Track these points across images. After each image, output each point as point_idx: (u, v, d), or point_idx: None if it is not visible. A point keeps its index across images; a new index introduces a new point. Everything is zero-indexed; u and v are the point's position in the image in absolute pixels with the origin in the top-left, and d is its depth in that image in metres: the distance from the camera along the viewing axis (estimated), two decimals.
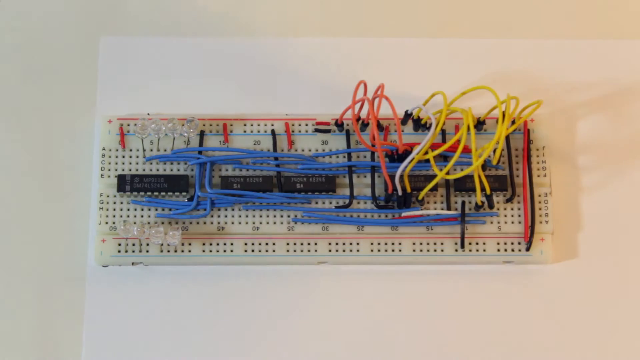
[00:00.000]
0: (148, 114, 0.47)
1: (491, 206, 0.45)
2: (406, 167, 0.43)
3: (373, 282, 0.46)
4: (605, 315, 0.45)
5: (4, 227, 0.46)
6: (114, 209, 0.45)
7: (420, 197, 0.45)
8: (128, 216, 0.45)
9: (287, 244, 0.45)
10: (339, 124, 0.46)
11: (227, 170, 0.46)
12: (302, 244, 0.45)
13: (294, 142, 0.46)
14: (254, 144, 0.46)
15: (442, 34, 0.49)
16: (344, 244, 0.45)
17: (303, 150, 0.46)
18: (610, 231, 0.46)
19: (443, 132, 0.46)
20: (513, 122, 0.45)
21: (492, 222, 0.46)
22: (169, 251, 0.45)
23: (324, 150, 0.46)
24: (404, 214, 0.45)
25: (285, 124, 0.47)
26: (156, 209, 0.46)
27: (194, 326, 0.45)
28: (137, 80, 0.48)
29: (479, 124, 0.46)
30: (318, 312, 0.45)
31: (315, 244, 0.45)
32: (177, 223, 0.45)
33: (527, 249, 0.45)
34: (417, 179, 0.45)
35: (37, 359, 0.45)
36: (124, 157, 0.46)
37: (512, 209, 0.46)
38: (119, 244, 0.45)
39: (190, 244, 0.45)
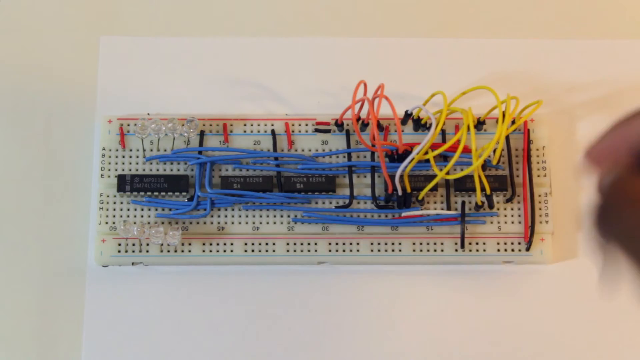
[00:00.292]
0: (148, 114, 0.47)
1: (491, 206, 0.45)
2: (406, 167, 0.43)
3: (373, 282, 0.46)
4: (605, 315, 0.45)
5: (4, 227, 0.46)
6: (114, 209, 0.45)
7: (420, 197, 0.45)
8: (128, 216, 0.45)
9: (287, 244, 0.45)
10: (339, 124, 0.46)
11: (227, 170, 0.46)
12: (302, 244, 0.45)
13: (294, 142, 0.46)
14: (254, 144, 0.46)
15: (442, 34, 0.49)
16: (344, 244, 0.45)
17: (303, 150, 0.46)
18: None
19: (443, 132, 0.46)
20: (513, 122, 0.45)
21: (492, 222, 0.46)
22: (169, 251, 0.45)
23: (324, 150, 0.46)
24: (404, 214, 0.45)
25: (285, 124, 0.47)
26: (156, 209, 0.46)
27: (193, 326, 0.45)
28: (137, 80, 0.48)
29: (479, 124, 0.46)
30: (318, 312, 0.45)
31: (315, 244, 0.45)
32: (177, 223, 0.45)
33: (527, 249, 0.45)
34: (417, 179, 0.45)
35: (37, 359, 0.45)
36: (124, 157, 0.46)
37: (512, 209, 0.46)
38: (119, 244, 0.45)
39: (190, 244, 0.45)
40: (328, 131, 0.47)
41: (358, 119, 0.45)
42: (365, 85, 0.44)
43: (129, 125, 0.46)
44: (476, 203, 0.45)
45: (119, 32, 0.49)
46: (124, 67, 0.48)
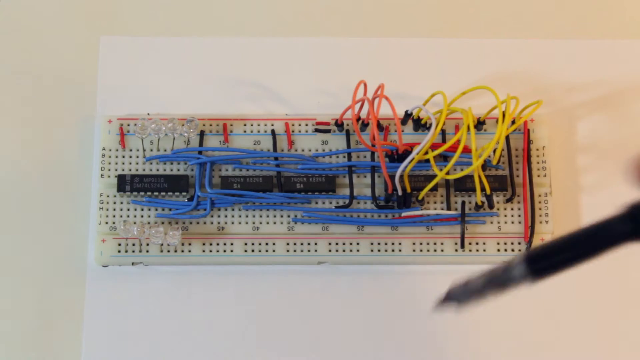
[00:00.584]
0: (148, 114, 0.47)
1: (491, 206, 0.45)
2: (406, 167, 0.43)
3: (373, 282, 0.46)
4: (605, 315, 0.45)
5: (4, 227, 0.46)
6: (114, 209, 0.45)
7: (420, 197, 0.45)
8: (128, 216, 0.45)
9: (287, 244, 0.45)
10: (339, 124, 0.46)
11: (227, 170, 0.46)
12: (302, 244, 0.45)
13: (294, 142, 0.46)
14: (254, 144, 0.46)
15: (442, 34, 0.49)
16: (344, 244, 0.45)
17: (303, 150, 0.46)
18: None
19: (443, 132, 0.46)
20: (513, 122, 0.45)
21: (492, 222, 0.46)
22: (169, 251, 0.45)
23: (324, 150, 0.46)
24: (404, 214, 0.45)
25: (285, 124, 0.47)
26: (156, 209, 0.46)
27: (193, 326, 0.45)
28: (137, 80, 0.48)
29: (479, 124, 0.46)
30: (318, 312, 0.45)
31: (315, 244, 0.45)
32: (177, 223, 0.45)
33: (527, 249, 0.45)
34: (417, 179, 0.45)
35: (37, 359, 0.45)
36: (124, 157, 0.46)
37: (512, 209, 0.46)
38: (119, 244, 0.45)
39: (190, 244, 0.45)
40: (328, 131, 0.47)
41: (358, 119, 0.45)
42: (365, 85, 0.44)
43: (129, 125, 0.46)
44: (476, 203, 0.45)
45: (119, 32, 0.49)
46: (124, 67, 0.48)
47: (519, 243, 0.45)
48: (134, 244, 0.45)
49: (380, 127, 0.46)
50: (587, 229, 0.30)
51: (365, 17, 0.49)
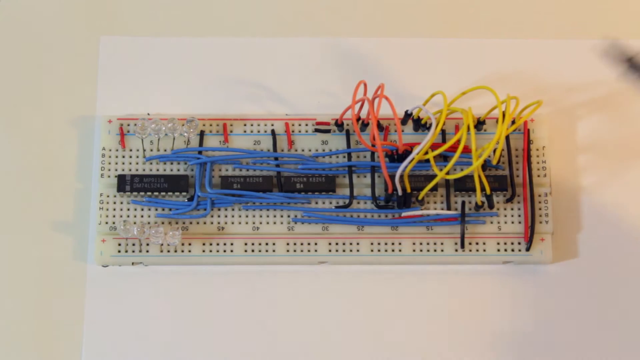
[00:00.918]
0: (148, 114, 0.47)
1: (491, 206, 0.45)
2: (406, 167, 0.43)
3: (373, 282, 0.46)
4: (605, 315, 0.45)
5: (4, 227, 0.46)
6: (114, 209, 0.45)
7: (420, 197, 0.45)
8: (128, 216, 0.45)
9: (287, 244, 0.45)
10: (339, 124, 0.46)
11: (227, 170, 0.46)
12: (302, 244, 0.45)
13: (294, 142, 0.46)
14: (254, 144, 0.46)
15: (442, 34, 0.49)
16: (344, 244, 0.45)
17: (303, 150, 0.46)
18: (610, 231, 0.46)
19: (443, 132, 0.46)
20: (513, 122, 0.45)
21: (492, 222, 0.46)
22: (169, 251, 0.45)
23: (324, 150, 0.46)
24: (404, 214, 0.45)
25: (285, 124, 0.47)
26: (156, 209, 0.46)
27: (193, 326, 0.45)
28: (137, 80, 0.48)
29: (479, 124, 0.46)
30: (318, 312, 0.45)
31: (315, 244, 0.45)
32: (177, 223, 0.45)
33: (527, 249, 0.45)
34: (417, 179, 0.45)
35: (37, 359, 0.45)
36: (124, 157, 0.46)
37: (512, 209, 0.46)
38: (119, 244, 0.45)
39: (190, 244, 0.45)
40: (328, 131, 0.47)
41: (358, 119, 0.45)
42: (365, 85, 0.44)
43: (129, 125, 0.46)
44: (476, 203, 0.45)
45: (119, 32, 0.49)
46: (124, 67, 0.48)
47: (519, 243, 0.45)
48: (134, 244, 0.45)
49: (380, 127, 0.46)
50: None
51: (365, 17, 0.49)
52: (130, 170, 0.46)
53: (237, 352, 0.45)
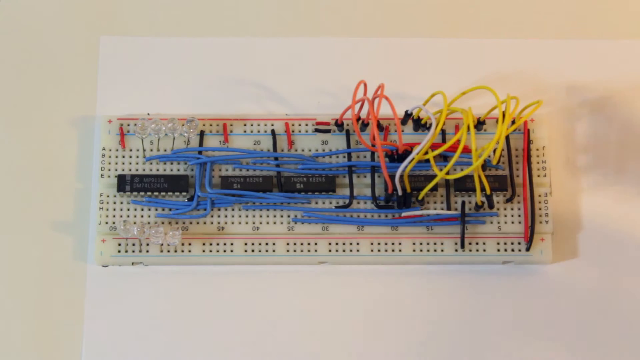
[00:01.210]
0: (148, 114, 0.47)
1: (491, 206, 0.45)
2: (406, 167, 0.43)
3: (373, 282, 0.46)
4: (605, 315, 0.45)
5: (4, 227, 0.46)
6: (114, 209, 0.45)
7: (420, 197, 0.45)
8: (128, 216, 0.45)
9: (287, 244, 0.45)
10: (339, 124, 0.46)
11: (227, 170, 0.46)
12: (302, 244, 0.45)
13: (294, 142, 0.46)
14: (254, 144, 0.46)
15: (442, 34, 0.49)
16: (344, 244, 0.45)
17: (303, 150, 0.46)
18: (610, 231, 0.46)
19: (443, 132, 0.46)
20: (513, 122, 0.45)
21: (492, 222, 0.46)
22: (169, 251, 0.45)
23: (324, 150, 0.46)
24: (404, 214, 0.45)
25: (285, 124, 0.47)
26: (156, 209, 0.46)
27: (193, 326, 0.45)
28: (137, 80, 0.48)
29: (479, 124, 0.46)
30: (318, 312, 0.45)
31: (315, 244, 0.45)
32: (177, 223, 0.45)
33: (527, 249, 0.45)
34: (417, 179, 0.45)
35: (37, 359, 0.45)
36: (124, 157, 0.46)
37: (512, 209, 0.46)
38: (119, 244, 0.45)
39: (190, 244, 0.45)
40: (328, 131, 0.47)
41: (358, 119, 0.45)
42: (365, 85, 0.44)
43: (129, 125, 0.46)
44: (476, 203, 0.45)
45: (119, 32, 0.49)
46: (124, 67, 0.48)
47: (519, 243, 0.45)
48: (134, 244, 0.45)
49: (380, 127, 0.46)
50: None
51: (365, 17, 0.49)
52: (130, 170, 0.46)
53: (237, 352, 0.45)
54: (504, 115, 0.43)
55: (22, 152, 0.47)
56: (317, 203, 0.46)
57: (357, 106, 0.44)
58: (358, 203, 0.46)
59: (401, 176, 0.44)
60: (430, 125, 0.45)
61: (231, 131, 0.47)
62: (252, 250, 0.45)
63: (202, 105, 0.47)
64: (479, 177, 0.44)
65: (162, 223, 0.45)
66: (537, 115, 0.46)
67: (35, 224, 0.46)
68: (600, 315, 0.45)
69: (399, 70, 0.48)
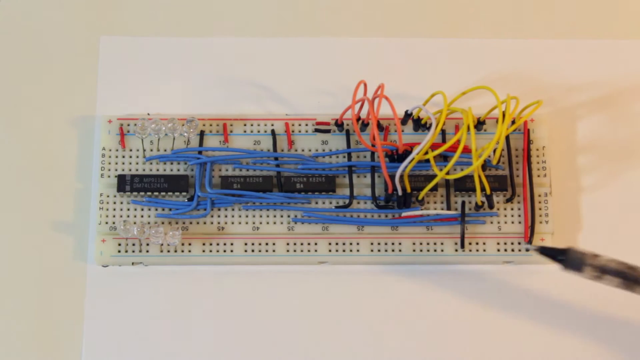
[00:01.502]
0: (148, 114, 0.47)
1: (491, 206, 0.45)
2: (406, 167, 0.43)
3: (373, 282, 0.46)
4: (605, 315, 0.45)
5: (4, 227, 0.46)
6: (114, 209, 0.45)
7: (420, 197, 0.45)
8: (128, 216, 0.45)
9: (287, 244, 0.45)
10: (339, 124, 0.46)
11: (227, 170, 0.46)
12: (302, 244, 0.45)
13: (294, 142, 0.46)
14: (254, 144, 0.46)
15: (442, 34, 0.49)
16: (344, 244, 0.45)
17: (303, 150, 0.46)
18: (610, 231, 0.46)
19: (443, 132, 0.46)
20: (513, 122, 0.45)
21: (492, 222, 0.46)
22: (169, 251, 0.45)
23: (324, 150, 0.46)
24: (404, 214, 0.45)
25: (285, 124, 0.47)
26: (156, 209, 0.46)
27: (193, 326, 0.45)
28: (137, 80, 0.48)
29: (479, 124, 0.46)
30: (318, 312, 0.45)
31: (315, 244, 0.45)
32: (177, 223, 0.45)
33: (527, 249, 0.45)
34: (417, 179, 0.45)
35: (37, 359, 0.45)
36: (124, 157, 0.46)
37: (512, 209, 0.46)
38: (119, 244, 0.45)
39: (190, 244, 0.45)
40: (328, 131, 0.47)
41: (358, 119, 0.45)
42: (365, 85, 0.44)
43: (129, 125, 0.46)
44: (476, 203, 0.45)
45: (119, 32, 0.49)
46: (124, 67, 0.48)
47: (519, 243, 0.45)
48: (134, 244, 0.45)
49: (380, 127, 0.46)
50: None
51: (365, 17, 0.49)
52: (130, 170, 0.46)
53: (237, 352, 0.45)
54: (504, 115, 0.43)
55: (22, 152, 0.47)
56: (317, 203, 0.46)
57: (357, 106, 0.44)
58: (358, 203, 0.46)
59: (401, 176, 0.44)
60: (430, 125, 0.45)
61: (231, 131, 0.47)
62: (252, 250, 0.45)
63: (202, 105, 0.47)
64: (479, 177, 0.44)
65: (162, 223, 0.45)
66: (537, 115, 0.46)
67: (35, 224, 0.46)
68: (600, 316, 0.45)
69: (399, 70, 0.48)
